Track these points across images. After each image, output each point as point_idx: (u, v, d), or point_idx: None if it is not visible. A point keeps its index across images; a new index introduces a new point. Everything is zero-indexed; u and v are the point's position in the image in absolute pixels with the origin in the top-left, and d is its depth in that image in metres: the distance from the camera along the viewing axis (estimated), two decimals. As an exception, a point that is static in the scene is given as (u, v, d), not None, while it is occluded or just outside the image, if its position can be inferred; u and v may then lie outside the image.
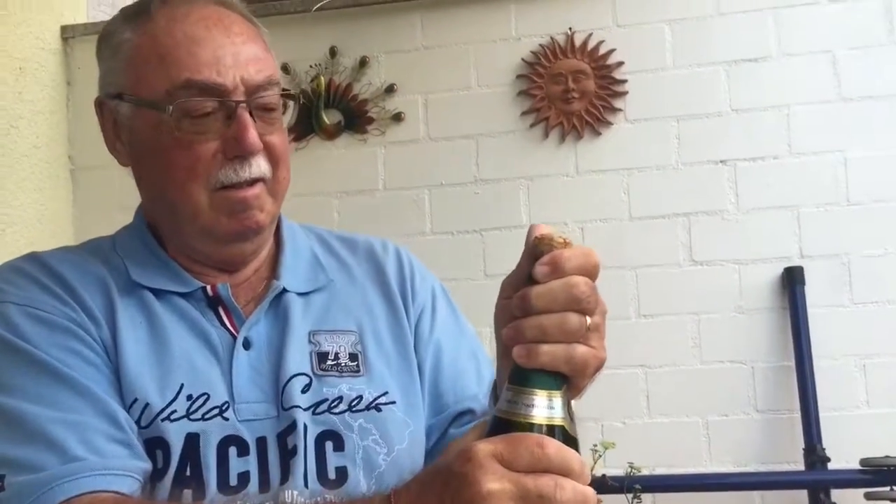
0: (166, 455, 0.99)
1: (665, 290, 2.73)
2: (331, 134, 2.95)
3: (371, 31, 2.95)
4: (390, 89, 2.93)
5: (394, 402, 1.09)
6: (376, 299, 1.16)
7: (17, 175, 2.73)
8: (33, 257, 1.09)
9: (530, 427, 0.77)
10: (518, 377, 0.79)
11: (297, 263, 1.16)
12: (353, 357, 1.10)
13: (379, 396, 1.08)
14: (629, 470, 2.35)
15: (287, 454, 1.02)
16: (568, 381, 0.80)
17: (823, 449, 2.49)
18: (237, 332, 1.07)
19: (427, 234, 2.87)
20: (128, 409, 0.99)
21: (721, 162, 2.74)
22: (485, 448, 0.75)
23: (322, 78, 2.94)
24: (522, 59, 2.87)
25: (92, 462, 0.93)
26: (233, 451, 1.00)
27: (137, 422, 0.99)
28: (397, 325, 1.15)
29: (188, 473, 0.98)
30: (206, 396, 1.01)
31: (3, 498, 0.92)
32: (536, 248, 0.81)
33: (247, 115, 1.04)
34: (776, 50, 2.74)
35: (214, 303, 1.09)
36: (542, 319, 0.79)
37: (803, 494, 2.53)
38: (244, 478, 1.00)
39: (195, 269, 1.11)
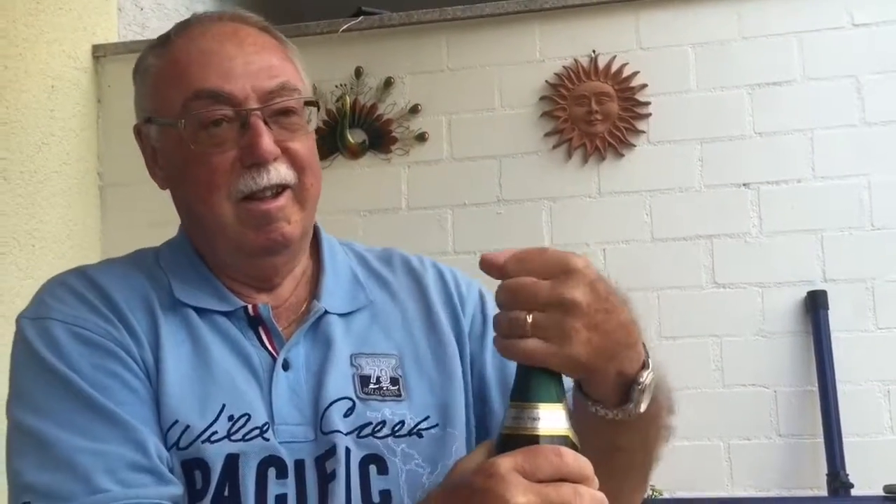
0: (206, 476, 0.98)
1: (687, 312, 2.73)
2: (355, 153, 2.98)
3: (396, 53, 2.98)
4: (414, 110, 2.96)
5: (436, 426, 1.08)
6: (416, 317, 1.15)
7: (47, 191, 2.77)
8: (80, 272, 1.09)
9: (538, 439, 0.79)
10: (519, 393, 0.82)
11: (337, 284, 1.14)
12: (394, 381, 1.09)
13: (420, 422, 1.07)
14: (650, 493, 2.34)
15: (325, 478, 1.01)
16: (564, 394, 0.83)
17: (847, 475, 2.46)
18: (277, 354, 1.07)
19: (449, 254, 2.89)
20: (168, 430, 0.99)
21: (744, 185, 2.74)
22: (506, 462, 0.76)
23: (347, 98, 2.97)
24: (546, 81, 2.88)
25: (116, 493, 0.92)
26: (271, 472, 1.00)
27: (177, 443, 0.99)
28: (438, 343, 1.13)
29: (226, 494, 0.98)
30: (247, 417, 1.01)
31: None
32: None
33: (260, 123, 1.04)
34: (800, 73, 2.74)
35: (255, 323, 1.08)
36: (497, 316, 0.85)
37: (826, 520, 2.51)
38: (281, 500, 1.00)
39: (235, 287, 1.10)
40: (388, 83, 2.98)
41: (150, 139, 1.12)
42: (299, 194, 1.08)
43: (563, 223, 2.82)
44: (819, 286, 2.65)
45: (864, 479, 2.47)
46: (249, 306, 1.08)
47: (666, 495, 2.44)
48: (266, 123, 1.04)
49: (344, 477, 1.01)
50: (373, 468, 1.03)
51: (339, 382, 1.06)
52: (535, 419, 0.80)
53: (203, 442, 0.99)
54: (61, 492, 0.92)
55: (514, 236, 2.84)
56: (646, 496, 2.28)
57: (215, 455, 0.99)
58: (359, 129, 2.99)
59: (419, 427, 1.07)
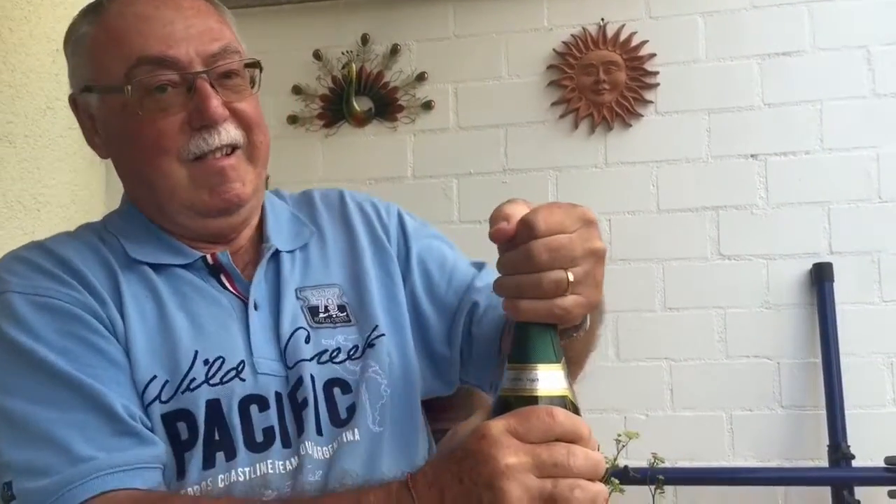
0: (191, 425, 1.00)
1: (692, 283, 2.73)
2: (361, 121, 2.97)
3: (403, 20, 2.96)
4: (421, 77, 2.94)
5: (383, 335, 1.12)
6: (347, 248, 1.19)
7: (52, 156, 2.76)
8: (34, 244, 1.10)
9: (536, 400, 0.80)
10: (518, 356, 0.82)
11: (279, 225, 1.18)
12: (341, 308, 1.13)
13: (370, 333, 1.11)
14: (652, 461, 2.36)
15: (298, 407, 1.04)
16: (563, 355, 0.83)
17: (848, 446, 2.48)
18: (241, 295, 1.09)
19: (454, 223, 2.88)
20: (146, 386, 1.00)
21: (751, 156, 2.73)
22: (498, 425, 0.78)
23: (353, 65, 2.96)
24: (554, 50, 2.86)
25: (100, 461, 0.93)
26: (254, 409, 1.02)
27: (159, 396, 1.00)
28: (372, 268, 1.17)
29: (217, 438, 1.00)
30: (221, 360, 1.03)
31: None
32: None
33: (207, 85, 1.04)
34: (810, 44, 2.71)
35: (216, 270, 1.10)
36: (520, 279, 0.83)
37: (827, 491, 2.52)
38: (269, 433, 1.02)
39: (189, 242, 1.11)
40: (395, 50, 2.96)
41: (90, 108, 1.11)
42: (250, 153, 1.10)
43: (569, 193, 2.81)
44: (825, 258, 2.65)
45: (866, 450, 2.48)
46: (208, 255, 1.10)
47: (668, 464, 2.45)
48: (212, 86, 1.05)
49: (313, 403, 1.04)
50: (337, 390, 1.07)
51: (293, 315, 1.09)
52: (534, 380, 0.80)
53: (183, 392, 1.00)
54: (42, 466, 0.92)
55: (519, 206, 2.83)
56: (647, 465, 2.30)
57: (198, 402, 1.00)
58: (365, 97, 2.98)
59: (370, 339, 1.11)
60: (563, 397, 0.81)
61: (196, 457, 0.98)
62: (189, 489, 0.98)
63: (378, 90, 2.97)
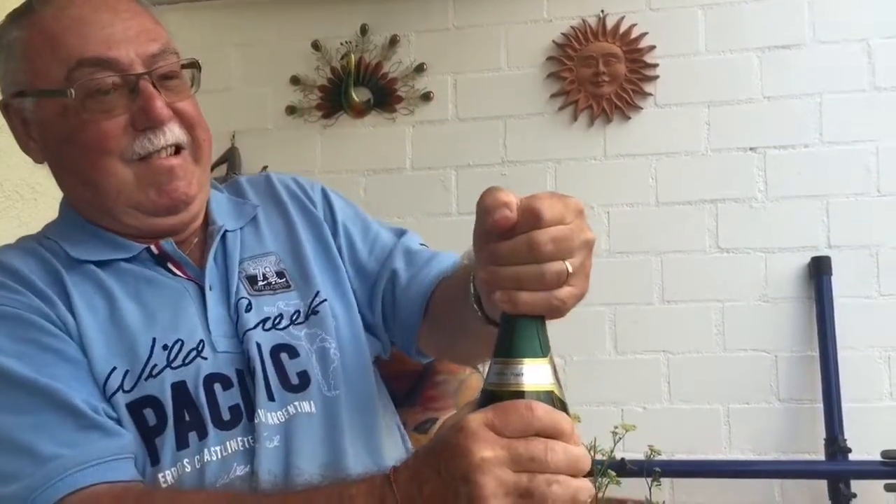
0: (159, 410, 1.00)
1: (690, 276, 2.73)
2: (359, 112, 2.96)
3: (402, 10, 2.95)
4: (420, 68, 2.93)
5: (325, 300, 1.14)
6: (282, 222, 1.21)
7: (49, 145, 2.76)
8: None
9: (522, 395, 0.78)
10: (504, 350, 0.81)
11: (221, 208, 1.19)
12: (280, 275, 1.15)
13: (312, 300, 1.13)
14: (649, 453, 2.36)
15: (253, 377, 1.05)
16: (550, 349, 0.82)
17: (845, 440, 2.48)
18: (193, 279, 1.10)
19: (453, 215, 2.88)
20: (107, 378, 1.00)
21: (751, 149, 2.72)
22: (476, 418, 0.77)
23: (352, 56, 2.95)
24: (553, 42, 2.86)
25: (67, 458, 0.93)
26: (217, 387, 1.03)
27: (121, 387, 1.00)
28: (308, 235, 1.20)
29: (188, 418, 1.01)
30: (180, 342, 1.04)
31: None
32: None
33: (150, 87, 1.05)
34: (810, 37, 2.71)
35: (162, 259, 1.10)
36: (520, 270, 0.80)
37: (823, 484, 2.53)
38: (235, 410, 1.03)
39: (133, 238, 1.11)
40: (394, 41, 2.95)
41: (23, 112, 1.10)
42: (194, 151, 1.11)
43: (568, 185, 2.81)
44: (823, 252, 2.65)
45: (862, 443, 2.48)
46: (152, 246, 1.10)
47: (665, 457, 2.45)
48: (155, 87, 1.06)
49: (261, 369, 1.05)
50: (284, 356, 1.08)
51: (235, 287, 1.11)
52: (519, 375, 0.79)
53: (147, 379, 1.01)
54: (11, 472, 0.92)
55: (518, 198, 2.83)
56: (644, 457, 2.30)
57: (162, 387, 1.01)
58: (364, 88, 2.97)
59: (313, 306, 1.13)
60: (550, 392, 0.79)
61: (168, 440, 0.99)
62: (165, 472, 0.99)
63: (377, 81, 2.96)
